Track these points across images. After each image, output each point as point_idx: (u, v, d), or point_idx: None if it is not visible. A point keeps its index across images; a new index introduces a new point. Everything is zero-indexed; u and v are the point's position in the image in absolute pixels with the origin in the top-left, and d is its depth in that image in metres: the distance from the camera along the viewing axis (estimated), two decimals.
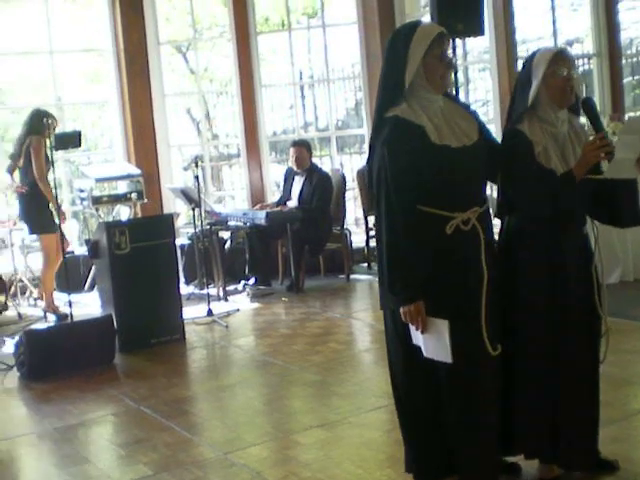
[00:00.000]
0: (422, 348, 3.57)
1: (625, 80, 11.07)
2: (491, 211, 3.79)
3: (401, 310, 3.51)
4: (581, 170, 3.58)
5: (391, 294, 3.52)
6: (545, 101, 3.71)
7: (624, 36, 10.93)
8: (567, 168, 3.64)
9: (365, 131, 10.37)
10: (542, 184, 3.63)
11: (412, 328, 3.55)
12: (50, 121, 7.98)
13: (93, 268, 8.79)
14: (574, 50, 12.98)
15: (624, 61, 10.93)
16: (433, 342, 3.51)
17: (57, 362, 6.37)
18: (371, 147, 3.63)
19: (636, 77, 12.64)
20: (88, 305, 8.51)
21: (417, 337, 3.57)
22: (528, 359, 3.78)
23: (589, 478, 3.95)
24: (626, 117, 9.17)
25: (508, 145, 3.72)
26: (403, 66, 3.51)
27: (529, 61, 3.76)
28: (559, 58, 3.68)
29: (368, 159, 3.70)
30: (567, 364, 3.77)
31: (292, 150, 9.30)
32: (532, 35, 11.08)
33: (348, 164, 12.20)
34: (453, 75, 7.88)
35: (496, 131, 7.52)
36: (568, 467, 3.92)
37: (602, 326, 3.84)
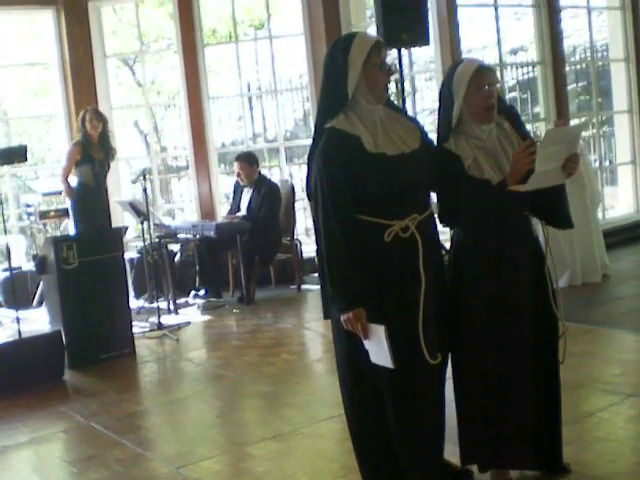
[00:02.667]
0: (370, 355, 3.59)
1: (569, 87, 11.23)
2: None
3: (341, 318, 3.54)
4: (514, 179, 3.61)
5: (332, 302, 3.57)
6: (468, 118, 3.74)
7: (567, 44, 11.10)
8: (503, 175, 3.67)
9: None
10: (477, 196, 3.66)
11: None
12: None
13: (41, 283, 8.69)
14: (519, 58, 13.18)
15: (568, 68, 11.09)
16: (375, 348, 3.54)
17: (5, 379, 6.27)
18: (309, 159, 3.67)
19: (580, 84, 12.83)
20: (36, 321, 8.40)
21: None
22: (480, 367, 3.80)
23: None
24: (571, 123, 9.28)
25: (438, 164, 3.74)
26: (344, 77, 3.54)
27: (450, 79, 3.76)
28: (479, 75, 3.69)
29: (307, 171, 3.72)
30: (522, 368, 3.80)
31: (235, 165, 9.31)
32: (477, 44, 11.20)
33: (297, 174, 12.22)
34: (400, 85, 7.94)
35: None
36: (535, 468, 3.97)
37: (559, 328, 3.88)
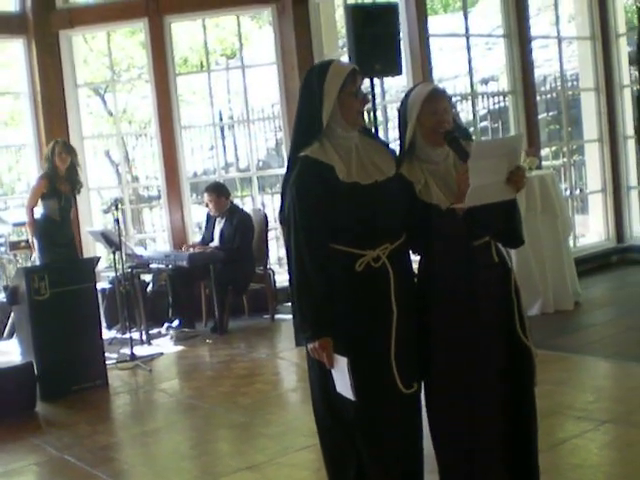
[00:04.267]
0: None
1: (540, 116, 11.34)
2: None
3: (308, 346, 3.56)
4: (458, 200, 3.57)
5: (300, 330, 3.58)
6: (420, 141, 3.71)
7: (538, 73, 11.21)
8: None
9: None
10: (427, 221, 3.65)
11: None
12: None
13: (12, 315, 8.61)
14: (490, 88, 13.30)
15: (538, 98, 11.19)
16: (340, 378, 3.55)
17: None
18: (283, 186, 3.68)
19: (550, 113, 12.97)
20: (8, 353, 8.30)
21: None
22: (449, 397, 3.78)
23: None
24: (542, 153, 9.37)
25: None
26: (319, 104, 3.55)
27: (404, 103, 3.75)
28: (432, 98, 3.67)
29: (281, 198, 3.71)
30: (491, 398, 3.78)
31: (205, 196, 9.32)
32: (449, 73, 11.30)
33: (270, 204, 12.24)
34: (372, 114, 7.98)
35: None
36: None
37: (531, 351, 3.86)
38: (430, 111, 3.65)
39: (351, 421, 3.64)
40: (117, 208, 8.12)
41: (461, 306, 3.71)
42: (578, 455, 4.68)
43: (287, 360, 7.69)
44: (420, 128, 3.69)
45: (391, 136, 10.67)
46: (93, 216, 10.48)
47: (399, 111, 3.81)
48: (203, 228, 9.74)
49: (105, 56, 11.34)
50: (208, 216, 9.52)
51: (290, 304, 9.56)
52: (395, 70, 7.75)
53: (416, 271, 3.84)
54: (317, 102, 3.56)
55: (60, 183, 8.74)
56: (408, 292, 3.69)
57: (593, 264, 10.60)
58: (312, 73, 3.69)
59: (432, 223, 3.66)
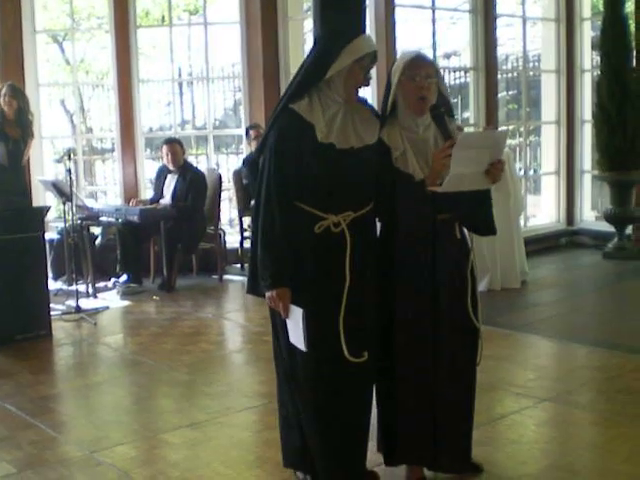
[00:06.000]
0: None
1: (500, 95, 11.38)
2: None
3: (266, 294, 3.62)
4: (431, 179, 3.63)
5: (260, 279, 3.63)
6: (402, 108, 3.74)
7: (501, 52, 11.23)
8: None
9: (243, 132, 10.33)
10: (399, 189, 3.68)
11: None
12: None
13: None
14: (452, 62, 13.30)
15: (499, 76, 11.23)
16: (293, 328, 3.63)
17: None
18: (266, 133, 3.72)
19: (510, 92, 13.02)
20: None
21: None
22: (401, 367, 3.82)
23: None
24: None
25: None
26: (330, 61, 3.57)
27: (390, 68, 3.79)
28: (414, 64, 3.69)
29: (260, 144, 3.77)
30: (442, 370, 3.83)
31: (165, 148, 9.20)
32: (412, 45, 11.26)
33: (224, 164, 12.16)
34: None
35: None
36: (442, 470, 4.00)
37: (478, 331, 3.92)
38: (411, 76, 3.67)
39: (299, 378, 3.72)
40: (69, 158, 8.01)
41: (421, 277, 3.76)
42: (516, 431, 4.74)
43: (233, 321, 7.69)
44: (401, 93, 3.71)
45: None
46: (45, 165, 10.34)
47: (388, 75, 3.83)
48: (154, 184, 9.64)
49: (66, 3, 11.14)
50: (159, 172, 9.43)
51: (243, 267, 9.57)
52: None
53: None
54: (330, 58, 3.57)
55: (8, 127, 8.60)
56: (366, 262, 3.72)
57: (542, 245, 10.74)
58: (338, 34, 3.69)
59: (402, 191, 3.67)
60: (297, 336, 3.62)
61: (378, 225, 3.86)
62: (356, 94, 3.70)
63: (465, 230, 3.88)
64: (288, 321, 3.64)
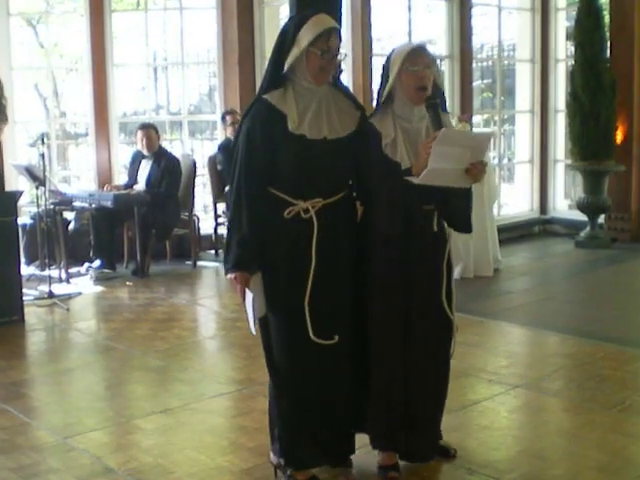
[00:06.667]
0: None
1: (475, 83, 11.42)
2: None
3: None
4: (417, 169, 3.64)
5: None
6: (399, 97, 3.78)
7: (476, 40, 11.26)
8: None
9: (218, 118, 10.30)
10: (386, 175, 3.71)
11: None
12: None
13: None
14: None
15: (475, 65, 11.26)
16: (249, 312, 3.73)
17: None
18: (241, 122, 3.77)
19: (485, 81, 13.06)
20: None
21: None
22: (376, 352, 3.87)
23: (427, 465, 4.07)
24: (474, 119, 9.45)
25: (361, 137, 3.79)
26: (287, 51, 3.61)
27: (388, 57, 3.82)
28: (414, 55, 3.73)
29: (235, 140, 3.82)
30: (415, 358, 3.87)
31: (140, 133, 9.17)
32: (387, 33, 11.27)
33: (199, 150, 12.11)
34: None
35: None
36: (411, 459, 4.04)
37: (452, 322, 3.96)
38: (410, 67, 3.71)
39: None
40: (43, 143, 7.96)
41: (396, 267, 3.81)
42: (487, 417, 4.78)
43: (207, 307, 7.69)
44: (400, 83, 3.75)
45: None
46: (18, 149, 10.26)
47: (383, 67, 3.87)
48: (128, 170, 9.60)
49: None
50: (134, 157, 9.39)
51: (217, 253, 9.57)
52: None
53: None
54: (286, 48, 3.62)
55: None
56: (337, 248, 3.76)
57: (515, 233, 10.81)
58: (293, 19, 3.78)
59: (388, 178, 3.69)
60: (250, 319, 3.74)
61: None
62: (325, 78, 3.69)
63: (443, 222, 3.92)
64: (245, 304, 3.73)
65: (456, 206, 3.86)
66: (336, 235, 3.75)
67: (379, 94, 3.86)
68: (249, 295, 3.69)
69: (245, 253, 3.65)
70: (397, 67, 3.73)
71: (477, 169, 3.66)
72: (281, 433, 3.86)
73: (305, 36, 3.58)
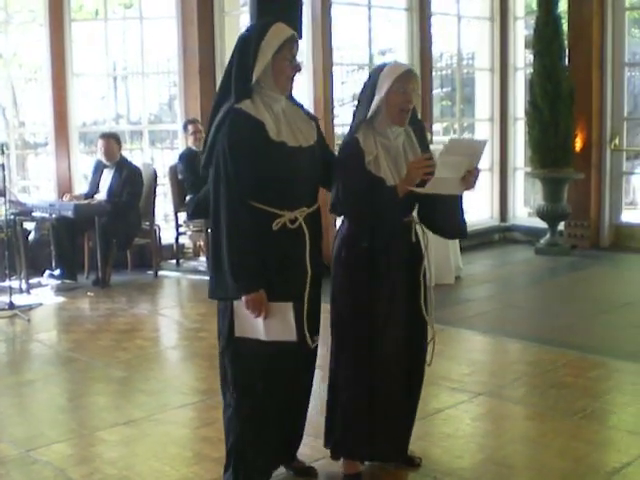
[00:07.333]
0: (261, 334, 3.64)
1: (434, 91, 11.48)
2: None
3: (244, 299, 3.57)
4: (406, 185, 3.72)
5: (235, 284, 3.55)
6: (383, 115, 3.82)
7: (435, 49, 11.32)
8: (398, 179, 3.78)
9: (178, 127, 10.28)
10: (369, 191, 3.75)
11: (239, 320, 3.64)
12: None
13: None
14: (387, 59, 13.34)
15: (434, 73, 11.32)
16: (275, 325, 3.62)
17: None
18: (213, 137, 3.64)
19: (444, 89, 13.14)
20: None
21: (250, 327, 3.64)
22: (351, 358, 3.91)
23: (392, 474, 4.13)
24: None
25: (343, 152, 3.85)
26: (252, 61, 3.58)
27: (376, 73, 3.84)
28: (407, 78, 3.79)
29: (208, 154, 3.68)
30: (389, 364, 3.93)
31: (100, 142, 9.14)
32: (348, 42, 11.29)
33: (159, 159, 12.05)
34: None
35: None
36: (379, 458, 4.10)
37: (429, 331, 4.01)
38: (400, 89, 3.76)
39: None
40: (2, 153, 7.90)
41: (376, 277, 3.87)
42: (451, 425, 4.80)
43: (168, 317, 7.66)
44: (386, 103, 3.78)
45: None
46: None
47: (365, 84, 3.91)
48: (89, 179, 9.55)
49: None
50: (95, 167, 9.35)
51: (179, 263, 9.49)
52: (296, 34, 7.71)
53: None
54: (250, 59, 3.59)
55: None
56: (319, 253, 3.85)
57: (476, 241, 10.86)
58: (252, 29, 3.79)
59: (371, 193, 3.74)
60: (281, 331, 3.62)
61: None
62: (291, 86, 3.74)
63: (420, 234, 3.97)
64: (267, 320, 3.62)
65: (448, 213, 3.93)
66: (316, 243, 3.80)
67: (362, 110, 3.85)
68: (284, 305, 3.61)
69: (256, 269, 3.55)
70: (387, 86, 3.77)
71: (472, 176, 3.76)
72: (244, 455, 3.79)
73: (270, 45, 3.58)
